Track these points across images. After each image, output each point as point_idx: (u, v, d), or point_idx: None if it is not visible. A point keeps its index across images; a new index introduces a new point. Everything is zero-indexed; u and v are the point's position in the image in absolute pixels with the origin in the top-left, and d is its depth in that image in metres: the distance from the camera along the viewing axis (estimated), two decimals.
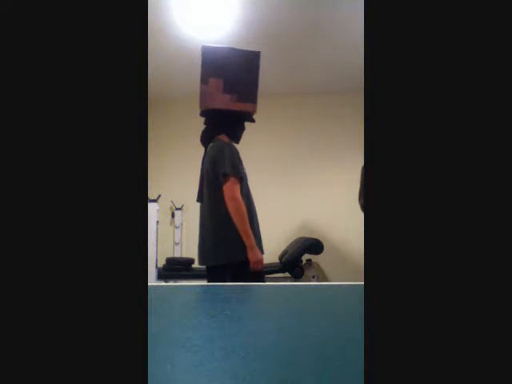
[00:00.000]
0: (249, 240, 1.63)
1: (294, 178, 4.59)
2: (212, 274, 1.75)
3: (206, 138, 1.84)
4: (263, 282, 1.36)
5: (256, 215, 1.77)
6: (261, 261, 1.65)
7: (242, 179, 1.68)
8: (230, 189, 1.63)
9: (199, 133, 1.86)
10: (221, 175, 1.65)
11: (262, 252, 1.71)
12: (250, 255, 1.63)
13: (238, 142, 1.86)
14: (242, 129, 1.86)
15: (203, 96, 1.68)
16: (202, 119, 1.86)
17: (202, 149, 1.89)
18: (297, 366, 0.34)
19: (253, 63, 1.72)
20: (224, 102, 1.69)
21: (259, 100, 1.77)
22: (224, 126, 1.79)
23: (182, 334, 0.45)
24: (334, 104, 4.67)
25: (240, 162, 1.70)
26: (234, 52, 1.72)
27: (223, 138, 1.79)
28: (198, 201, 1.83)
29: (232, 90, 1.69)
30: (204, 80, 1.68)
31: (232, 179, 1.64)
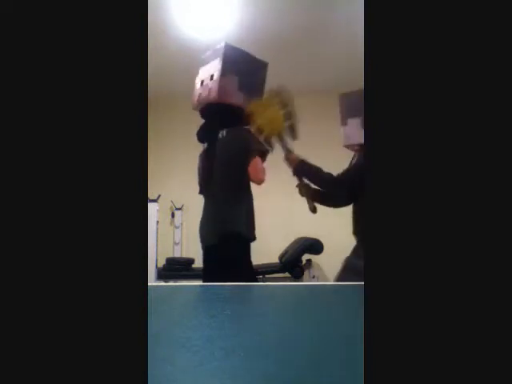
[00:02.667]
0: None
1: (294, 178, 4.58)
2: (206, 255, 1.76)
3: (206, 133, 1.83)
4: (256, 281, 1.37)
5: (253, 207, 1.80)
6: (262, 170, 1.74)
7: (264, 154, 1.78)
8: (259, 162, 1.74)
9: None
10: (254, 151, 1.71)
11: (254, 238, 1.75)
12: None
13: None
14: None
15: (222, 89, 1.71)
16: (202, 120, 1.85)
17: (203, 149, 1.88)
18: (297, 366, 0.34)
19: (262, 71, 1.87)
20: (239, 98, 1.76)
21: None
22: (234, 122, 1.79)
23: (182, 334, 0.45)
24: (334, 104, 4.66)
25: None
26: (248, 56, 1.83)
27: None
28: (200, 193, 1.83)
29: (244, 90, 1.77)
30: (223, 74, 1.72)
31: (258, 157, 1.73)
